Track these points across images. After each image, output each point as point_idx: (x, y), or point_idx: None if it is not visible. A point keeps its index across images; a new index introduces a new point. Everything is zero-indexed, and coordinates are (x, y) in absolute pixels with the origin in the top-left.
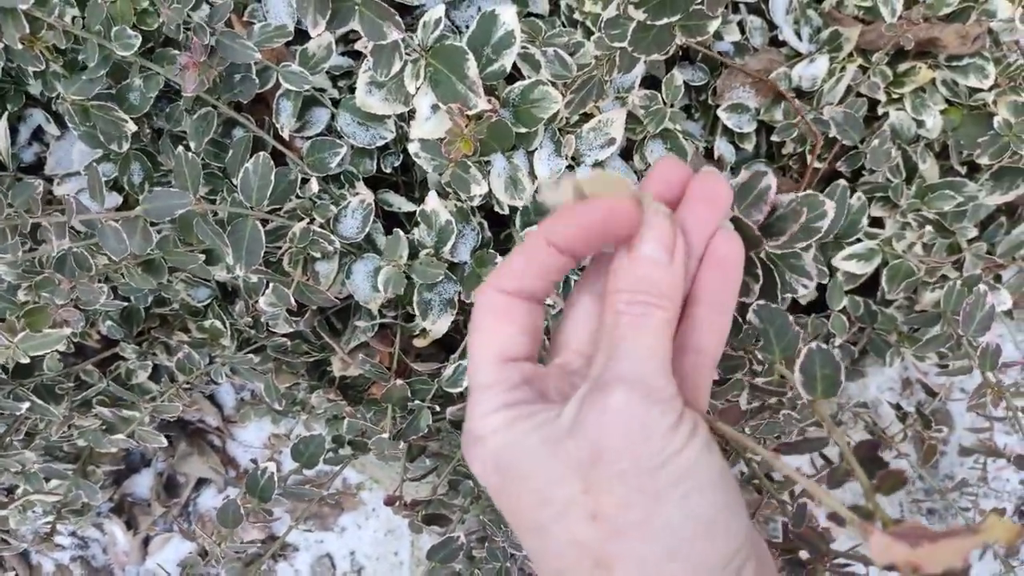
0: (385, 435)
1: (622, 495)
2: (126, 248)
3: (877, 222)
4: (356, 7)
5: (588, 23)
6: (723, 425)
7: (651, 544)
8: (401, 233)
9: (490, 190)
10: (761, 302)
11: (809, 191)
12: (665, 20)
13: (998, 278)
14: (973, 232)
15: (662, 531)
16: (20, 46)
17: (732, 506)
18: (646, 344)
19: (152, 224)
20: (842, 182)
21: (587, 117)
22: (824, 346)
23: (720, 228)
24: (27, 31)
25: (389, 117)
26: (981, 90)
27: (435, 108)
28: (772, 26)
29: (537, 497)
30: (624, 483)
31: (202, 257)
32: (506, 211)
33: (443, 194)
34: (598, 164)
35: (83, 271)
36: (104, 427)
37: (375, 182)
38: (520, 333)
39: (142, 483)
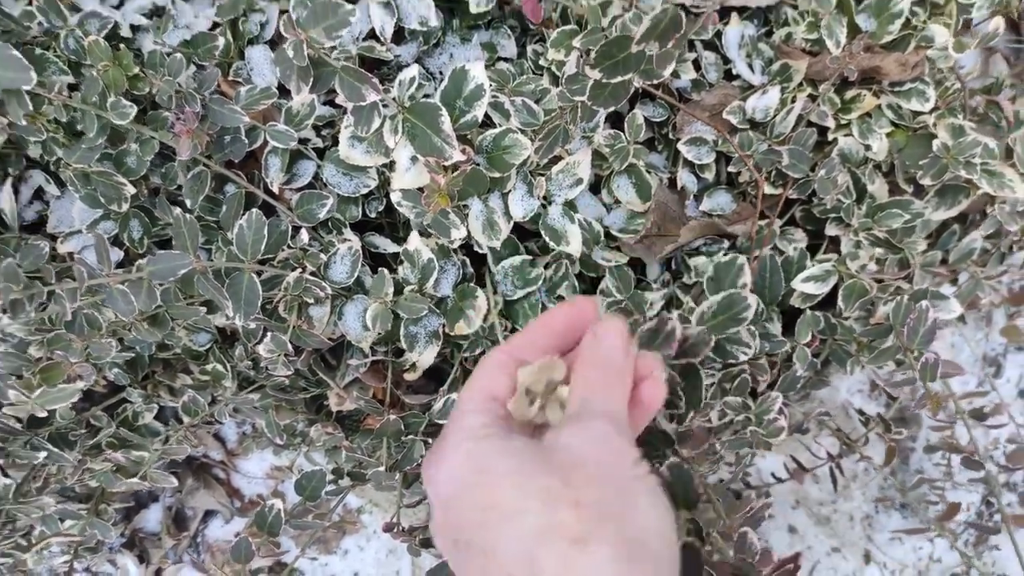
0: (381, 468)
1: (600, 491)
2: (134, 308)
3: (834, 241)
4: (336, 73)
5: (553, 68)
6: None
7: (627, 531)
8: (386, 272)
9: (469, 232)
10: (675, 459)
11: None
12: (619, 78)
13: (954, 282)
14: (922, 246)
15: (635, 524)
16: (24, 123)
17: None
18: (615, 396)
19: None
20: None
21: (556, 159)
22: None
23: (652, 376)
24: (30, 108)
25: (371, 167)
26: (923, 112)
27: (414, 159)
28: (726, 60)
29: (519, 490)
30: (601, 484)
31: (203, 310)
32: (485, 251)
33: (425, 233)
34: (568, 202)
35: (93, 329)
36: (115, 468)
37: (361, 225)
38: (510, 385)
39: (152, 517)
